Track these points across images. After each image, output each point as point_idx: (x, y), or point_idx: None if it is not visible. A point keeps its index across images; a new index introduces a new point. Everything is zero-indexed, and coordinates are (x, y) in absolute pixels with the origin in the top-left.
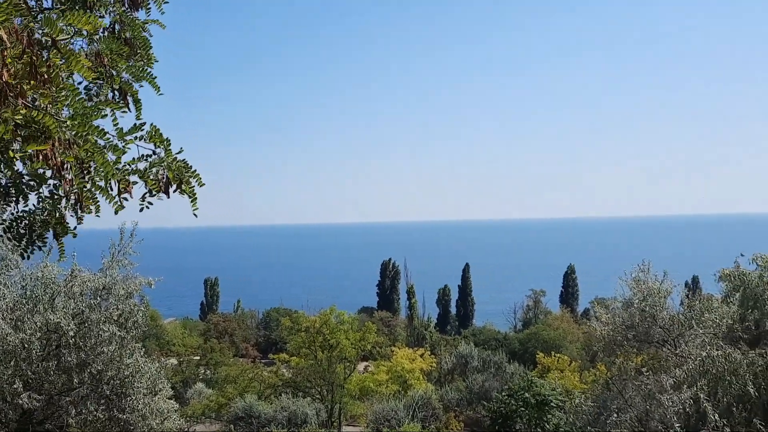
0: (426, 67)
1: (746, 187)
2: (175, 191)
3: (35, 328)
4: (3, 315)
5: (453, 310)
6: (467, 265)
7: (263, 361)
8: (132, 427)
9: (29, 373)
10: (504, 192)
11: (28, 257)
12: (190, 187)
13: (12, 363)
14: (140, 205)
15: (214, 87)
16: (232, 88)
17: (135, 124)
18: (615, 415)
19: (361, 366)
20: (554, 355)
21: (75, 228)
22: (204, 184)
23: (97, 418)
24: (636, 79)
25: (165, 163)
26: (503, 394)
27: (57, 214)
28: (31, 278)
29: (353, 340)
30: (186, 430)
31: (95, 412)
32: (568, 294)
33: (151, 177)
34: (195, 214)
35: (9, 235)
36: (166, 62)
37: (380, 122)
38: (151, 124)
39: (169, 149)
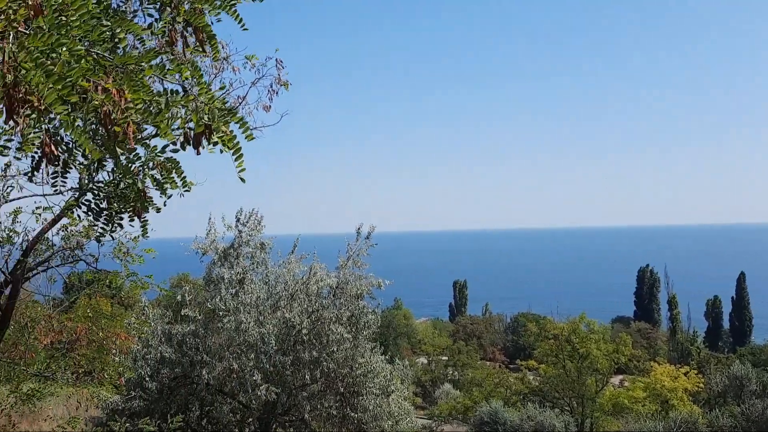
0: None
1: None
2: (216, 145)
3: (274, 324)
4: (248, 310)
5: (725, 324)
6: (742, 274)
7: (510, 366)
8: (365, 427)
9: (268, 366)
10: None
11: (111, 236)
12: (227, 137)
13: (252, 356)
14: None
15: None
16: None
17: (153, 48)
18: None
19: (615, 380)
20: None
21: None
22: (253, 137)
23: (331, 414)
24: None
25: (195, 105)
26: None
27: (136, 187)
28: (274, 275)
29: (605, 351)
30: (434, 428)
31: (329, 409)
32: None
33: (174, 123)
34: (242, 178)
35: (84, 209)
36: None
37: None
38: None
39: (204, 82)
